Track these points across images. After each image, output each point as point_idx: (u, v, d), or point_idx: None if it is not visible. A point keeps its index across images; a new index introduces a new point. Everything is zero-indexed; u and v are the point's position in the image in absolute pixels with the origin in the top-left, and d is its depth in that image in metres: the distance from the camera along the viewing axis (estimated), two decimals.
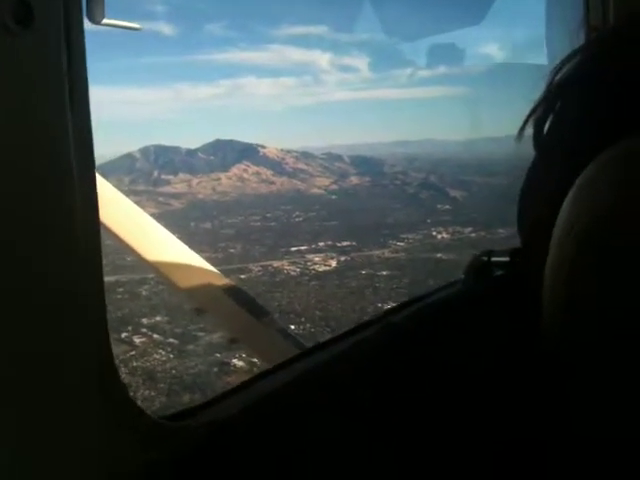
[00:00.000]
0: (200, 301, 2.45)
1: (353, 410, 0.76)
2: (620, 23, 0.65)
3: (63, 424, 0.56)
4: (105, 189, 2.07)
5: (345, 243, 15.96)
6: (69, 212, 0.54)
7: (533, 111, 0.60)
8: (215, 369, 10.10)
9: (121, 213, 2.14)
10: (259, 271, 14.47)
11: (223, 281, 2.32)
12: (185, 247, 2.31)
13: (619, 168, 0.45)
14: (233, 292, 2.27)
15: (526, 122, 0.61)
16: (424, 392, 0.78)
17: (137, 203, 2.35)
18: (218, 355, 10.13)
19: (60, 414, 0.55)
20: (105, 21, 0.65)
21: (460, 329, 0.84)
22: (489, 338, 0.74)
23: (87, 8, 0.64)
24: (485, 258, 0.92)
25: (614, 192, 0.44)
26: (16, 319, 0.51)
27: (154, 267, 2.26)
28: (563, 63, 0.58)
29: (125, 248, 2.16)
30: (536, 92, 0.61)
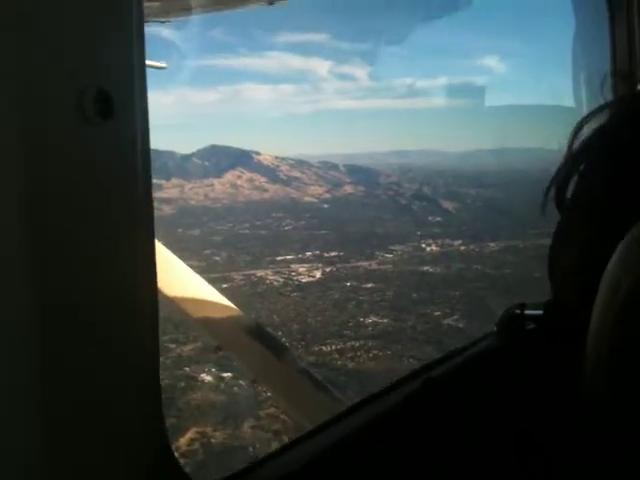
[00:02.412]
0: (219, 338, 2.46)
1: (398, 469, 0.77)
2: None
3: None
4: None
5: (332, 253, 15.72)
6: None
7: (557, 174, 0.62)
8: (182, 384, 9.82)
9: None
10: (241, 280, 14.20)
11: (242, 318, 2.31)
12: (204, 282, 2.31)
13: None
14: (252, 329, 2.25)
15: (550, 186, 0.62)
16: (469, 449, 0.79)
17: None
18: (187, 369, 9.90)
19: None
20: None
21: (497, 385, 0.86)
22: (526, 395, 0.76)
23: None
24: (518, 311, 0.94)
25: None
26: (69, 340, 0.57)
27: (174, 303, 2.23)
28: (582, 123, 0.60)
29: None
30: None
